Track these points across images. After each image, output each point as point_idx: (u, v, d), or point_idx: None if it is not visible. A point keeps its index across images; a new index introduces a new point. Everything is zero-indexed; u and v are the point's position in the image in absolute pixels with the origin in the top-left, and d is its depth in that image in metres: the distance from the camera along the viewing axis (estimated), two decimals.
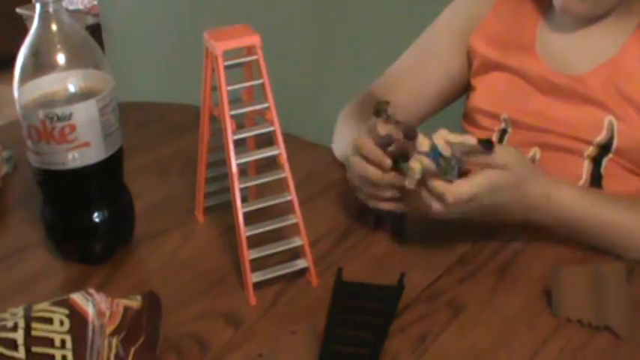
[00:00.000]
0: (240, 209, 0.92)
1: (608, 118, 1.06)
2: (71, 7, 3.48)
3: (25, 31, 0.96)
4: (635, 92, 1.05)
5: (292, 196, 0.93)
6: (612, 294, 0.89)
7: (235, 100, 0.94)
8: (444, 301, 0.92)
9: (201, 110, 1.01)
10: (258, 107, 0.93)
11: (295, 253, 0.95)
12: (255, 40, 0.90)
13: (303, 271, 0.96)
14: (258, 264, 0.93)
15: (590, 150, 1.08)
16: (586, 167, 1.08)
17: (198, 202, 1.08)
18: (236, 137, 0.91)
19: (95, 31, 2.74)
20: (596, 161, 1.08)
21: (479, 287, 0.94)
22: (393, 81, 1.25)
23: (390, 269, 0.95)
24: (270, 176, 0.94)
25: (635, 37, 1.07)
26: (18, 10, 3.47)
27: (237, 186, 0.91)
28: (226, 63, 0.90)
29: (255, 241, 0.93)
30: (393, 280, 0.93)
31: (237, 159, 0.91)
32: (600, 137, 1.07)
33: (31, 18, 1.17)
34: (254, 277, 0.93)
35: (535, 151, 1.12)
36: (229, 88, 0.90)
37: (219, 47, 0.89)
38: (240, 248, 0.92)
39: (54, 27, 0.93)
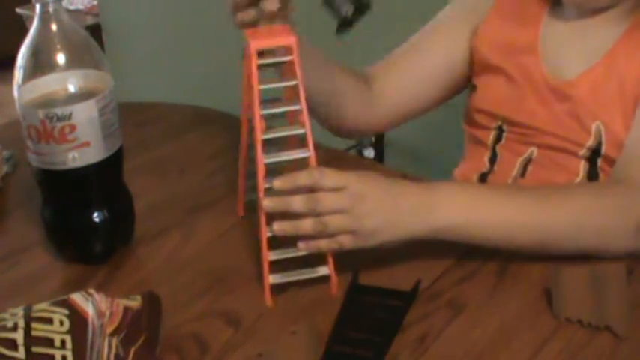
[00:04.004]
0: (264, 209, 0.90)
1: (595, 124, 1.05)
2: (71, 7, 3.49)
3: (25, 31, 0.95)
4: (620, 97, 1.03)
5: None
6: (612, 294, 0.89)
7: (271, 100, 0.93)
8: (444, 301, 0.92)
9: (241, 111, 1.00)
10: (290, 109, 0.92)
11: (313, 259, 0.93)
12: (290, 41, 0.90)
13: (323, 278, 0.93)
14: (276, 266, 0.92)
15: (584, 152, 1.07)
16: (582, 166, 1.08)
17: (239, 197, 1.07)
18: (265, 137, 0.91)
19: (95, 31, 2.74)
20: (592, 161, 1.07)
21: (479, 287, 0.94)
22: (390, 61, 1.22)
23: (390, 269, 0.95)
24: None
25: (623, 40, 1.05)
26: (18, 10, 3.47)
27: (262, 185, 0.90)
28: (259, 62, 0.90)
29: (275, 244, 0.91)
30: (393, 280, 0.93)
31: (266, 159, 0.90)
32: (589, 142, 1.06)
33: (31, 18, 1.17)
34: (272, 279, 0.92)
35: (532, 151, 1.12)
36: (261, 87, 0.90)
37: (253, 46, 0.89)
38: (261, 248, 0.91)
39: (54, 27, 0.93)
